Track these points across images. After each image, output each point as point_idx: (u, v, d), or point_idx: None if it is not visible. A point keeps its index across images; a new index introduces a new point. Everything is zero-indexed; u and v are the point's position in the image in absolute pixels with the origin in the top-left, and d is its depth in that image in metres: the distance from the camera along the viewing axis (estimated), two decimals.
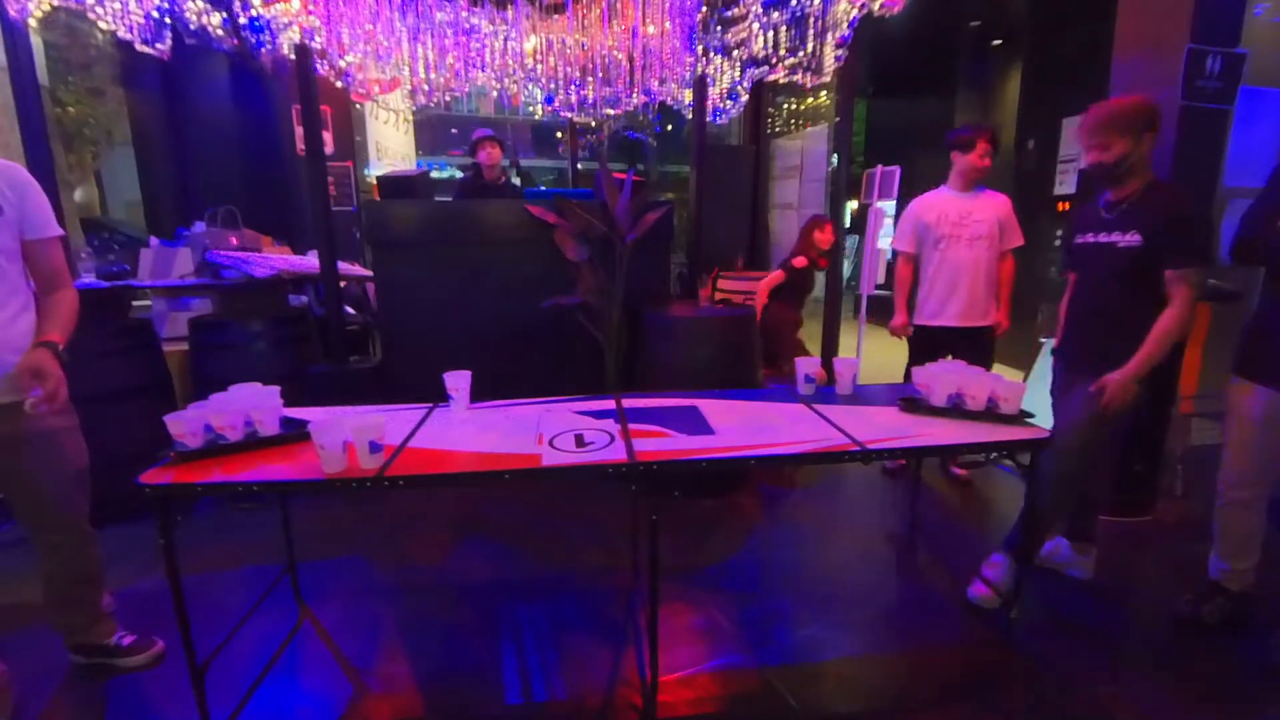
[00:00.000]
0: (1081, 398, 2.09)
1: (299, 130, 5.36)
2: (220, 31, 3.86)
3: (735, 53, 4.99)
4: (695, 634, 2.12)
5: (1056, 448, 2.08)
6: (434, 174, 9.79)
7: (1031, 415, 1.91)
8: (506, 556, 2.63)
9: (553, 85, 5.04)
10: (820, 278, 4.36)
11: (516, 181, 4.82)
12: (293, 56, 3.64)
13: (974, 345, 2.95)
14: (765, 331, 4.21)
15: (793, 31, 4.35)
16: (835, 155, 5.67)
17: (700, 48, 4.85)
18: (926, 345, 3.05)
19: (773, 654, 2.03)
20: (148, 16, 3.50)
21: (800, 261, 4.12)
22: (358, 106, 6.12)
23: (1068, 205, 5.07)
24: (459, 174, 11.78)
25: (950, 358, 2.23)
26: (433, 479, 1.60)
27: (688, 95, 5.11)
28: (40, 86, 3.33)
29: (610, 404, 2.14)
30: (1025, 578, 2.14)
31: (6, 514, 2.90)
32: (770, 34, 4.48)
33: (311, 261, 3.83)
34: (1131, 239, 1.99)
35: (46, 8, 3.11)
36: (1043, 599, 2.28)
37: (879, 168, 4.97)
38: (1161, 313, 1.98)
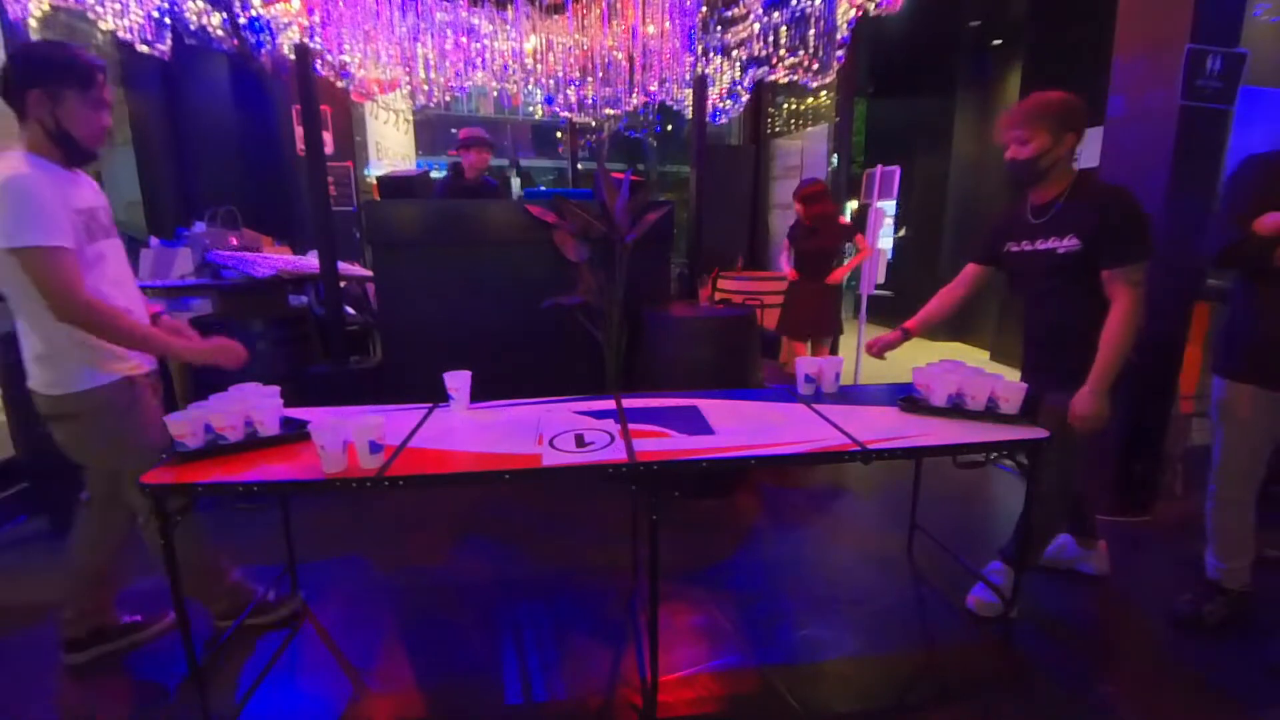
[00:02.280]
0: (1047, 414, 2.02)
1: (299, 130, 5.36)
2: (220, 31, 3.87)
3: (735, 53, 4.99)
4: (695, 634, 2.12)
5: (1043, 471, 2.06)
6: (434, 174, 9.77)
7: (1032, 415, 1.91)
8: (506, 556, 2.63)
9: (553, 85, 5.04)
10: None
11: (496, 181, 4.72)
12: (293, 56, 3.64)
13: None
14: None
15: (793, 31, 4.35)
16: (835, 155, 5.68)
17: (700, 48, 4.85)
18: None
19: (773, 654, 2.03)
20: (148, 16, 3.50)
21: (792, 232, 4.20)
22: (358, 106, 6.11)
23: None
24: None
25: None
26: (433, 479, 1.60)
27: (688, 95, 5.11)
28: None
29: (610, 404, 2.14)
30: (1020, 582, 2.14)
31: (9, 513, 2.92)
32: (770, 34, 4.48)
33: (311, 261, 3.82)
34: (1070, 243, 1.91)
35: (46, 8, 3.11)
36: (1042, 599, 2.28)
37: (879, 168, 4.96)
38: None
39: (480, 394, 2.10)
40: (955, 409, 1.96)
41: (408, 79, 4.82)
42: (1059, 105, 1.90)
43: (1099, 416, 1.89)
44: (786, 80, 4.78)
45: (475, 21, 4.60)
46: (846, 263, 4.24)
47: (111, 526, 1.93)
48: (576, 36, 4.75)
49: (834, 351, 4.31)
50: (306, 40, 3.88)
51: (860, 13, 3.85)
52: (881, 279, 5.51)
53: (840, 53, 4.12)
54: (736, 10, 4.66)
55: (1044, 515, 2.09)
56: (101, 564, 1.95)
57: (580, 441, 1.77)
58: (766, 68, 4.72)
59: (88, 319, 1.60)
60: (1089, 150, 4.46)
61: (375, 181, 4.07)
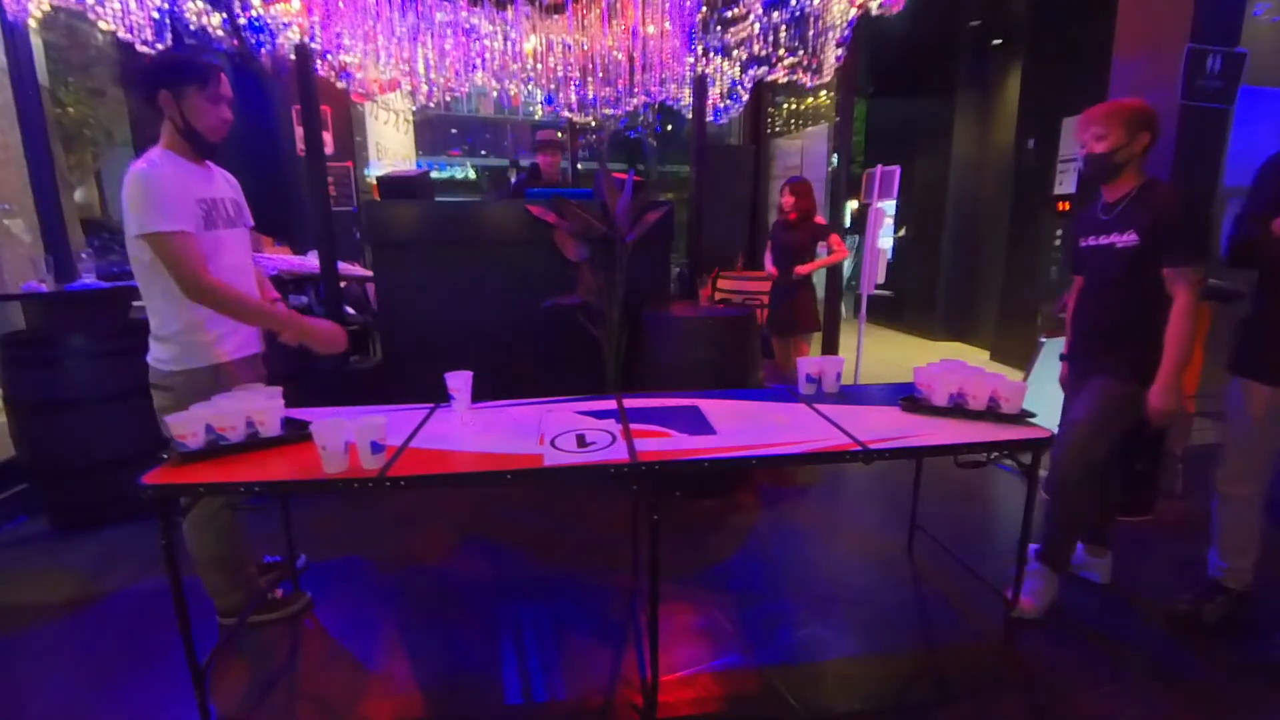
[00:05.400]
0: (1083, 405, 2.08)
1: (299, 130, 5.35)
2: (220, 31, 3.86)
3: (735, 53, 4.99)
4: (695, 634, 2.12)
5: (1063, 456, 2.08)
6: (434, 174, 9.78)
7: (1033, 415, 1.91)
8: (507, 556, 2.63)
9: (553, 85, 5.04)
10: (819, 276, 4.33)
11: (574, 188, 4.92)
12: (293, 56, 3.64)
13: None
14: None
15: (793, 31, 4.35)
16: (835, 155, 5.67)
17: (700, 48, 4.85)
18: None
19: (773, 654, 2.03)
20: (148, 16, 3.49)
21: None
22: (358, 106, 6.11)
23: (1067, 205, 5.08)
24: (469, 173, 11.81)
25: None
26: (434, 479, 1.60)
27: (688, 95, 5.10)
28: (40, 87, 3.33)
29: (611, 404, 2.14)
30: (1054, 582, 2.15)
31: (9, 513, 2.92)
32: (770, 34, 4.48)
33: (311, 261, 3.82)
34: (1129, 239, 1.98)
35: (46, 8, 3.11)
36: None
37: (879, 167, 4.96)
38: (1161, 315, 1.96)
39: (481, 394, 2.10)
40: (956, 409, 1.96)
41: (408, 79, 4.81)
42: (1136, 108, 1.99)
43: (1168, 409, 1.96)
44: (786, 80, 4.78)
45: (475, 21, 4.60)
46: (817, 260, 4.20)
47: (214, 514, 2.02)
48: (576, 36, 4.75)
49: (833, 350, 4.31)
50: (306, 40, 3.87)
51: (862, 11, 3.84)
52: (881, 279, 5.51)
53: (840, 52, 4.12)
54: (736, 10, 4.65)
55: (1068, 509, 2.11)
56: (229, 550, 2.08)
57: (581, 441, 1.77)
58: (766, 68, 4.72)
59: (213, 298, 1.80)
60: None
61: (375, 181, 4.07)
